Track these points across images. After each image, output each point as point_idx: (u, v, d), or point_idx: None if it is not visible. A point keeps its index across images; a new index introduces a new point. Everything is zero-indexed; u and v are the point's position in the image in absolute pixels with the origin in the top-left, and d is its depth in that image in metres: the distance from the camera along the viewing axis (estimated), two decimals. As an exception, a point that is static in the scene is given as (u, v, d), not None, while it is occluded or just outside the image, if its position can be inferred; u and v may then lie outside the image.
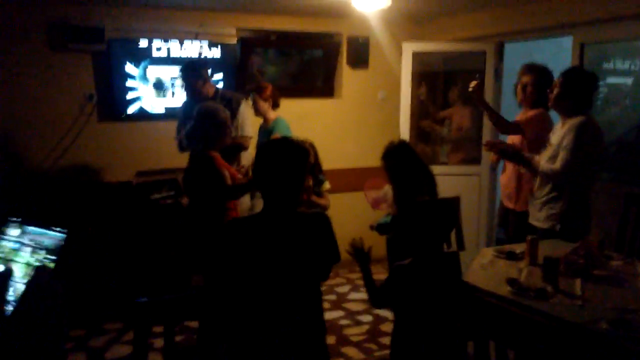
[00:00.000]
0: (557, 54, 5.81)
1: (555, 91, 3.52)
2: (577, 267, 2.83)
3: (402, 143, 3.68)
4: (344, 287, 5.34)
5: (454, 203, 3.81)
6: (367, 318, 4.66)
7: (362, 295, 4.86)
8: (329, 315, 4.68)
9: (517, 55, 5.85)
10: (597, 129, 3.49)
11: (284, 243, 2.26)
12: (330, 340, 4.25)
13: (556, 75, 4.19)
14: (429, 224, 2.59)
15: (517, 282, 2.69)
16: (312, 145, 4.14)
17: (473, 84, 4.06)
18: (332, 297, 5.11)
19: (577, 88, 3.48)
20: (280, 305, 2.26)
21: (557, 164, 3.42)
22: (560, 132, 3.53)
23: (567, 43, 4.85)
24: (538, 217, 3.63)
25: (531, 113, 4.01)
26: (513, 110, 4.44)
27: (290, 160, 2.28)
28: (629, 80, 5.35)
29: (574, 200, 3.50)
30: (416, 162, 3.58)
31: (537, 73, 4.06)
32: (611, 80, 5.77)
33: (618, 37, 4.51)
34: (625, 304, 2.47)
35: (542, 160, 3.56)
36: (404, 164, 3.52)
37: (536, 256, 3.03)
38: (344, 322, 4.60)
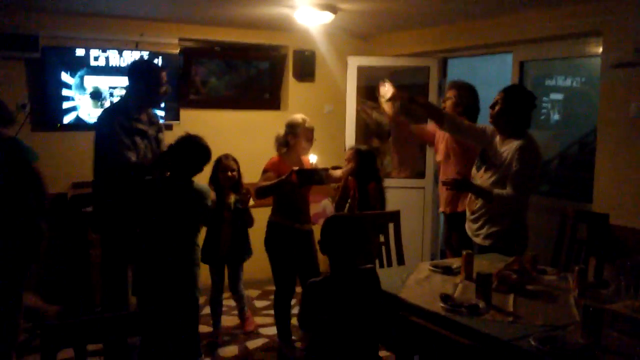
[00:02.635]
0: (500, 70, 5.93)
1: (497, 108, 3.52)
2: (510, 282, 2.83)
3: (372, 151, 4.30)
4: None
5: (368, 221, 3.82)
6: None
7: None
8: (271, 331, 4.57)
9: (461, 71, 5.94)
10: (537, 149, 3.54)
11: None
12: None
13: (496, 91, 4.27)
14: (338, 239, 2.61)
15: (451, 298, 2.67)
16: (235, 160, 4.16)
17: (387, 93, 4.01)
18: (276, 312, 5.00)
19: (518, 106, 3.50)
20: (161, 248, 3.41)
21: (510, 189, 3.40)
22: (500, 153, 3.52)
23: (509, 60, 4.92)
24: (477, 234, 3.63)
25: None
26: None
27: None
28: (568, 97, 5.48)
29: (514, 219, 3.53)
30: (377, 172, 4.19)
31: (458, 89, 4.19)
32: (553, 96, 5.90)
33: (555, 55, 4.61)
34: (556, 320, 2.48)
35: (480, 179, 3.58)
36: (368, 168, 4.07)
37: (472, 271, 3.03)
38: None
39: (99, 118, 3.72)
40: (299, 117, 4.02)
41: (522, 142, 3.43)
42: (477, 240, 3.62)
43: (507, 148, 3.48)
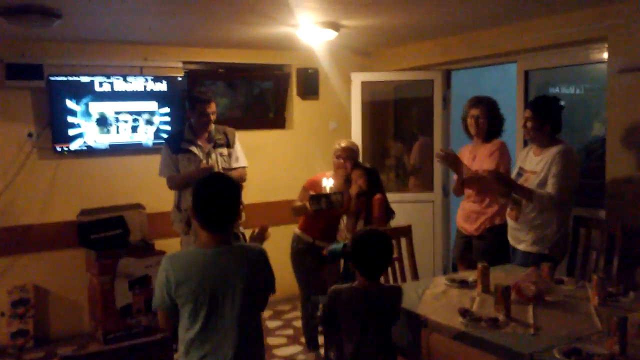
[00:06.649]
0: (503, 80, 5.91)
1: (530, 125, 3.57)
2: (529, 293, 2.80)
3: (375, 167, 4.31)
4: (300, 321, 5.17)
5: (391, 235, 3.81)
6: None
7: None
8: (285, 351, 4.56)
9: (465, 82, 5.94)
10: (576, 155, 3.61)
11: (224, 272, 2.32)
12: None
13: (503, 102, 4.26)
14: (367, 253, 2.66)
15: (469, 312, 2.64)
16: None
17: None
18: (289, 331, 4.97)
19: (549, 115, 3.57)
20: (221, 328, 2.30)
21: (551, 190, 3.43)
22: (537, 159, 3.58)
23: (512, 69, 4.93)
24: (524, 240, 3.62)
25: (494, 147, 4.02)
26: (463, 139, 4.43)
27: (228, 193, 2.36)
28: (572, 104, 5.46)
29: (561, 225, 3.55)
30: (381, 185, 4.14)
31: (486, 104, 4.09)
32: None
33: (560, 63, 4.60)
34: (577, 330, 2.45)
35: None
36: (374, 183, 4.03)
37: (488, 284, 3.00)
38: (301, 357, 4.46)
39: None
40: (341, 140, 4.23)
41: (561, 147, 3.52)
42: (523, 246, 3.61)
43: (544, 156, 3.54)
